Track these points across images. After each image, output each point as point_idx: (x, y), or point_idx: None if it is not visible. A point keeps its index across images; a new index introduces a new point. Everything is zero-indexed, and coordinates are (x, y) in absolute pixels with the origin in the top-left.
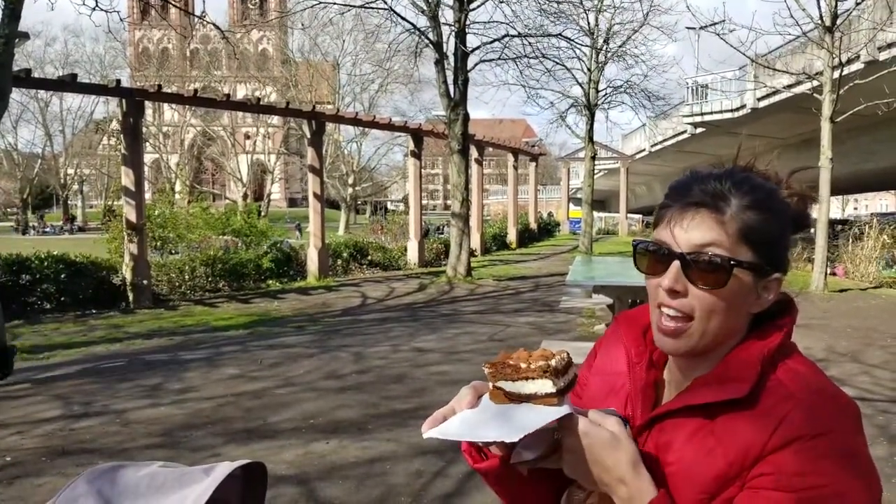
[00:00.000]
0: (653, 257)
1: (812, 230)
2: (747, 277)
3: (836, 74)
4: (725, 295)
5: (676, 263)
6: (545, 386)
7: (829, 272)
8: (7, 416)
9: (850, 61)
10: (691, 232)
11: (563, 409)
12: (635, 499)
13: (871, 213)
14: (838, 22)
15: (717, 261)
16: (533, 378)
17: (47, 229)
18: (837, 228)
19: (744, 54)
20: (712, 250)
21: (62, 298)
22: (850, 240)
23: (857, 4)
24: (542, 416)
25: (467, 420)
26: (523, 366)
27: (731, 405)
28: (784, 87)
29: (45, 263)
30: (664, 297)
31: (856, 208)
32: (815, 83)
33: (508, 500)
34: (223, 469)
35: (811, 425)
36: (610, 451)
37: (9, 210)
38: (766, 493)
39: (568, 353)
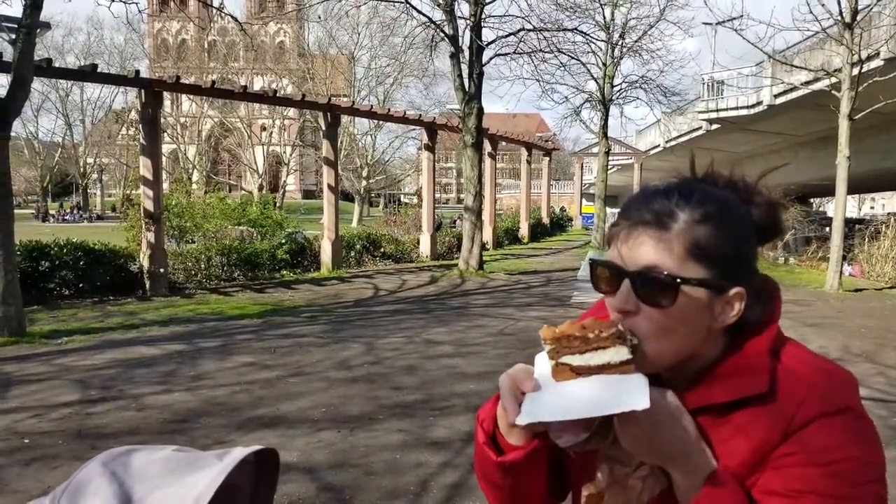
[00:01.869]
0: (607, 277)
1: (789, 235)
2: (700, 294)
3: (856, 71)
4: (676, 313)
5: (626, 283)
6: (620, 353)
7: (845, 272)
8: (25, 400)
9: (869, 58)
10: (636, 251)
11: (641, 375)
12: (699, 472)
13: (888, 213)
14: (858, 18)
15: (663, 279)
16: (605, 347)
17: (67, 217)
18: (854, 227)
19: (761, 50)
20: (659, 269)
21: (80, 285)
22: (867, 239)
23: (878, 0)
24: (637, 380)
25: (557, 400)
26: (592, 335)
27: (748, 396)
28: (802, 84)
29: (65, 250)
30: (617, 318)
31: (872, 207)
32: (834, 80)
33: (509, 498)
34: (236, 454)
35: (830, 402)
36: (678, 423)
37: (29, 198)
38: (795, 470)
39: None
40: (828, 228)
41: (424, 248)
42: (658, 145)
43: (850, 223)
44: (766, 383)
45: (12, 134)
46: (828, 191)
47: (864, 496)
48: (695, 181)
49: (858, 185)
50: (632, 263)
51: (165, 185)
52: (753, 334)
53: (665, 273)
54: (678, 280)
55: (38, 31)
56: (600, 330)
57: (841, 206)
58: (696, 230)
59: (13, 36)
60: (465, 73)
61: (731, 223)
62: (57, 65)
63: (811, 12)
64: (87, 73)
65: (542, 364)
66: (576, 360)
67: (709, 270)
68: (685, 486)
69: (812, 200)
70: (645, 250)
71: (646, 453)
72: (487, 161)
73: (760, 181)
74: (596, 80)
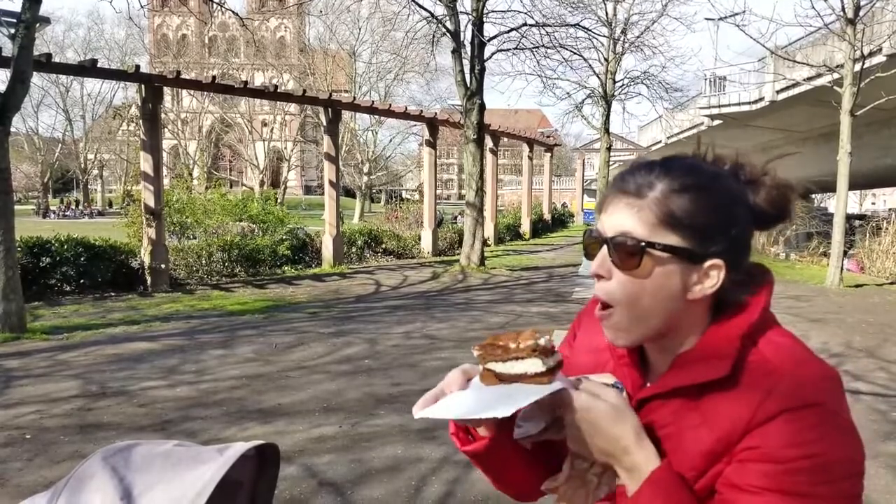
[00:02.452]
0: (591, 244)
1: (803, 225)
2: (671, 261)
3: (858, 67)
4: (645, 277)
5: (603, 248)
6: (535, 365)
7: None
8: (27, 395)
9: (871, 54)
10: (612, 216)
11: (555, 386)
12: (640, 468)
13: (890, 209)
14: (861, 14)
15: (630, 243)
16: (522, 358)
17: (67, 213)
18: (855, 223)
19: (763, 45)
20: (629, 234)
21: (81, 281)
22: (868, 235)
23: None
24: (534, 392)
25: (459, 401)
26: (512, 346)
27: (715, 382)
28: (804, 80)
29: (65, 246)
30: (596, 283)
31: (874, 203)
32: (836, 76)
33: (495, 477)
34: (237, 449)
35: (797, 397)
36: (612, 423)
37: (29, 194)
38: (754, 465)
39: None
40: (829, 224)
41: (426, 243)
42: (660, 141)
43: (851, 219)
44: (727, 369)
45: (12, 129)
46: (829, 187)
47: (830, 495)
48: (686, 157)
49: (860, 182)
50: (609, 229)
51: (166, 181)
52: (732, 317)
53: (633, 237)
54: (643, 244)
55: (38, 25)
56: (520, 342)
57: (842, 202)
58: (671, 199)
59: (13, 31)
60: (466, 69)
61: (713, 196)
62: (57, 60)
63: (813, 8)
64: (88, 69)
65: None
66: (499, 367)
67: (682, 239)
68: (628, 483)
69: (813, 196)
70: (618, 216)
71: (585, 451)
72: (489, 157)
73: (769, 165)
74: (598, 76)
